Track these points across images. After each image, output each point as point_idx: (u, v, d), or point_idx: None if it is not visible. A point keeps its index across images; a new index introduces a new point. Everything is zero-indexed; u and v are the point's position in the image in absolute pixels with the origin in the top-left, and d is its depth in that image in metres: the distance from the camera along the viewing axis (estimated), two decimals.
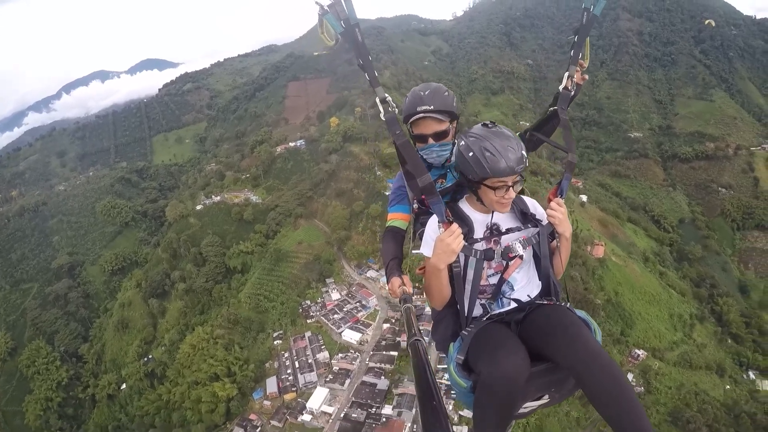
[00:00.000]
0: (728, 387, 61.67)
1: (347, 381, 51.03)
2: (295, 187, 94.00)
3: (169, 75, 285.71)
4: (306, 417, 47.81)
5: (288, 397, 51.86)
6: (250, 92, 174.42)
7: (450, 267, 2.47)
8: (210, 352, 60.52)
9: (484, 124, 2.49)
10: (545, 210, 2.69)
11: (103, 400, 71.39)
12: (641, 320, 65.03)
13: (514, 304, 2.61)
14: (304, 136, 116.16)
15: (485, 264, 2.58)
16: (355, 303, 63.97)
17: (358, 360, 54.19)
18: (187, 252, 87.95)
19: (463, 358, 2.35)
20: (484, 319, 2.57)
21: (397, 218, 3.13)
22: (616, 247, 79.55)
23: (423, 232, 2.75)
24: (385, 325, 58.72)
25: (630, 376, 54.47)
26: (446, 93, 2.94)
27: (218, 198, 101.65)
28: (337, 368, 53.42)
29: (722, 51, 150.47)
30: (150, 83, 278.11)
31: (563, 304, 2.55)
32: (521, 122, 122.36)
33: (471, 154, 2.39)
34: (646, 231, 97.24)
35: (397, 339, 54.99)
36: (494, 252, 2.55)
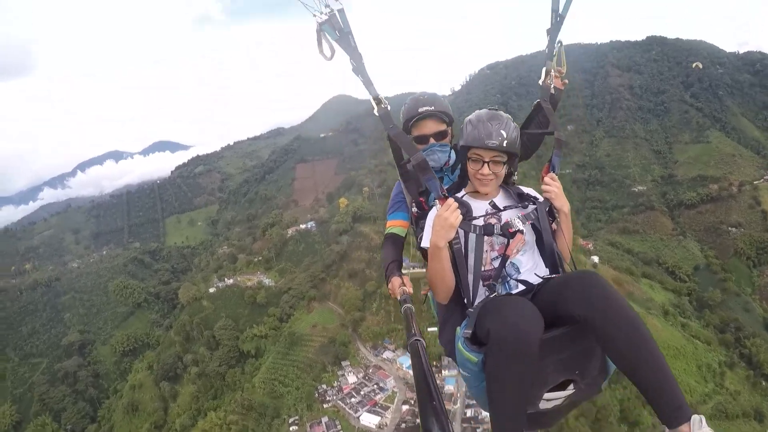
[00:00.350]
0: None
1: None
2: (308, 269, 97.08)
3: (181, 157, 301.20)
4: None
5: None
6: (260, 175, 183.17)
7: (451, 248, 2.46)
8: None
9: (490, 107, 2.64)
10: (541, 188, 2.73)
11: None
12: None
13: (521, 287, 2.54)
14: (314, 217, 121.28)
15: (487, 246, 2.57)
16: (373, 385, 64.08)
17: None
18: (200, 335, 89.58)
19: (470, 331, 2.23)
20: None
21: (396, 225, 3.18)
22: (633, 304, 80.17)
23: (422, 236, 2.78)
24: (404, 407, 58.51)
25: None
26: (443, 98, 3.15)
27: (231, 281, 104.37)
28: None
29: (711, 91, 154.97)
30: (162, 165, 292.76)
31: None
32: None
33: (465, 125, 2.59)
34: (662, 284, 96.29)
35: (417, 421, 55.33)
36: (494, 227, 2.53)
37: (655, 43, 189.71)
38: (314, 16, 2.48)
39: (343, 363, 70.72)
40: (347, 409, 61.08)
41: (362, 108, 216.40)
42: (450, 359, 2.59)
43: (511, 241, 2.55)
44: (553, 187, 2.62)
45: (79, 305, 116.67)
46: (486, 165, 2.51)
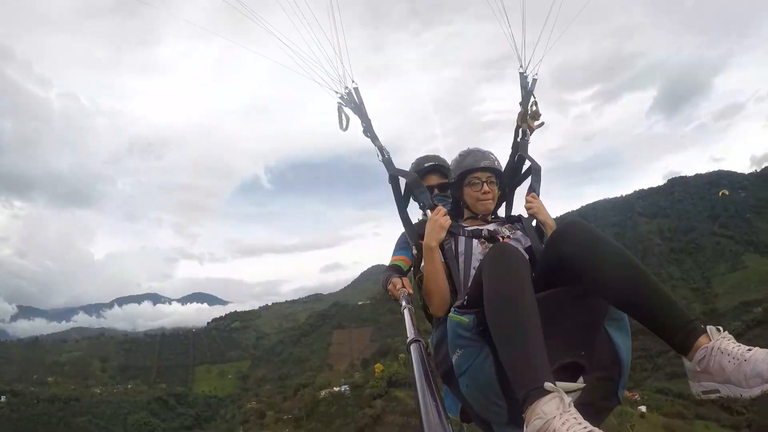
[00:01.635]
0: None
1: None
2: (339, 431, 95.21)
3: (218, 311, 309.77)
4: None
5: None
6: (296, 337, 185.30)
7: (443, 250, 2.60)
8: None
9: (467, 149, 2.98)
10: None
11: None
12: None
13: None
14: (348, 381, 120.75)
15: (476, 249, 2.64)
16: None
17: None
18: None
19: (463, 300, 2.13)
20: None
21: (399, 260, 3.31)
22: None
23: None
24: None
25: None
26: (445, 159, 3.47)
27: None
28: None
29: (739, 216, 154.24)
30: (199, 315, 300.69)
31: None
32: None
33: (453, 162, 2.97)
34: (717, 422, 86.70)
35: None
36: (481, 231, 2.70)
37: (676, 183, 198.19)
38: (336, 93, 3.11)
39: None
40: None
41: None
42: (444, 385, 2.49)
43: None
44: (535, 203, 2.90)
45: (95, 430, 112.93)
46: (485, 184, 2.79)
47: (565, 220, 2.33)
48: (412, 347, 1.95)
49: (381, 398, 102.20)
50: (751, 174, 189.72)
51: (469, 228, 2.74)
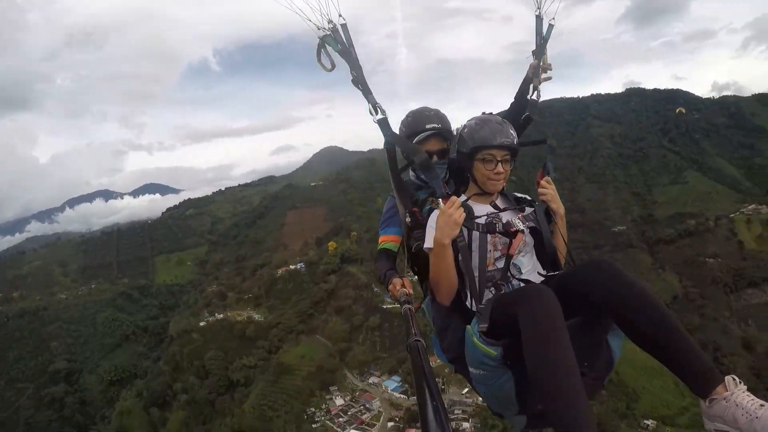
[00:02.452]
0: None
1: None
2: (296, 306, 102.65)
3: (171, 200, 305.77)
4: None
5: None
6: (251, 219, 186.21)
7: (456, 246, 2.49)
8: None
9: (483, 113, 2.81)
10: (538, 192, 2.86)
11: None
12: (646, 393, 68.67)
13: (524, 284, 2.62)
14: (304, 259, 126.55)
15: (490, 246, 2.61)
16: (359, 406, 68.96)
17: None
18: (190, 365, 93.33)
19: (487, 325, 2.20)
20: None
21: (389, 241, 3.25)
22: None
23: (417, 249, 2.85)
24: (390, 424, 63.02)
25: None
26: (445, 116, 3.18)
27: (221, 315, 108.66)
28: None
29: (689, 136, 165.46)
30: (152, 206, 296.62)
31: None
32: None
33: (466, 130, 2.70)
34: None
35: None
36: (496, 225, 2.63)
37: (634, 94, 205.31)
38: (318, 29, 2.71)
39: (331, 388, 75.88)
40: (335, 427, 65.90)
41: (352, 159, 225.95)
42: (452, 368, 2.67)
43: (513, 240, 2.65)
44: (549, 190, 2.80)
45: (66, 335, 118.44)
46: (500, 163, 2.61)
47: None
48: (413, 348, 1.97)
49: (335, 273, 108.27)
50: (708, 99, 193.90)
51: (483, 221, 2.67)
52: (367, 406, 69.16)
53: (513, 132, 2.67)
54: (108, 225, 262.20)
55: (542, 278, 2.65)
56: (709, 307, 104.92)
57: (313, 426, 68.50)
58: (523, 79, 3.27)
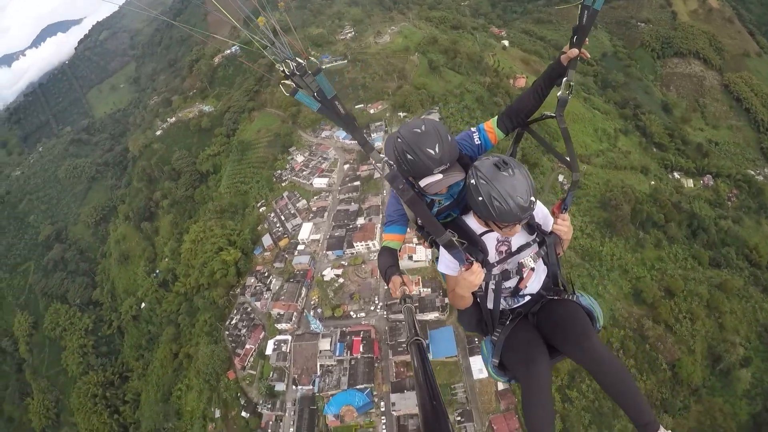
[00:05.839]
0: (653, 183, 70.62)
1: (326, 213, 60.45)
2: (241, 87, 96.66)
3: (78, 32, 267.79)
4: (300, 247, 56.83)
5: (282, 243, 59.93)
6: (170, 16, 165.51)
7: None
8: (209, 237, 66.72)
9: (495, 164, 2.45)
10: (552, 219, 2.91)
11: (129, 323, 77.04)
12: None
13: (528, 298, 3.07)
14: (237, 42, 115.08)
15: (504, 285, 2.95)
16: (318, 158, 72.18)
17: (330, 197, 63.29)
18: (161, 173, 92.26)
19: (498, 361, 2.87)
20: (507, 315, 3.07)
21: (392, 239, 3.19)
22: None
23: (435, 240, 2.78)
24: (346, 166, 68.37)
25: (560, 177, 62.96)
26: (450, 138, 2.72)
27: (174, 119, 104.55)
28: (316, 207, 62.49)
29: None
30: (61, 48, 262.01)
31: (571, 297, 3.00)
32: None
33: (480, 198, 2.43)
34: None
35: (357, 173, 64.81)
36: (510, 273, 2.87)
37: None
38: (281, 85, 2.32)
39: (290, 149, 76.34)
40: (301, 180, 69.06)
41: None
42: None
43: (524, 276, 2.97)
44: (564, 227, 2.85)
45: (38, 204, 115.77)
46: (517, 224, 2.62)
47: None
48: (413, 347, 2.04)
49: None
50: None
51: (496, 262, 2.87)
52: (324, 156, 72.51)
53: (531, 196, 2.47)
54: (26, 87, 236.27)
55: (540, 293, 3.10)
56: (635, 67, 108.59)
57: (282, 185, 70.19)
58: (550, 69, 2.94)
